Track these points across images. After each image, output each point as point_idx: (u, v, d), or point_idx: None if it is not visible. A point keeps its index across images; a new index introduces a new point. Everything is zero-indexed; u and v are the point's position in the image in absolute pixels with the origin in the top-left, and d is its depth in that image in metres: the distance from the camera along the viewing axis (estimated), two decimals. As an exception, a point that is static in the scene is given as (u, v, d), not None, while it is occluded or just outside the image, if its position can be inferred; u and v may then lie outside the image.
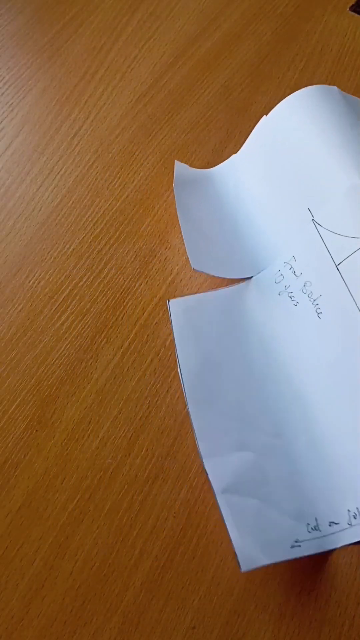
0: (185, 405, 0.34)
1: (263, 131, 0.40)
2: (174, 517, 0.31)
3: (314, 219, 0.35)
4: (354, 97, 0.39)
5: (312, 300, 0.34)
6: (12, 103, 0.45)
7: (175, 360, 0.35)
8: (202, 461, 0.31)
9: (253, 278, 0.37)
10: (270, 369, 0.34)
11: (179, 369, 0.33)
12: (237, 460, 0.31)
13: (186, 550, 0.30)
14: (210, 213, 0.39)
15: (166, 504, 0.31)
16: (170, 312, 0.35)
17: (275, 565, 0.30)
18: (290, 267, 0.35)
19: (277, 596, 0.30)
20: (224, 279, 0.38)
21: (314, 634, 0.29)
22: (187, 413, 0.32)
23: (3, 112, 0.44)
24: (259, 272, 0.37)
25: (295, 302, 0.35)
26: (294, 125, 0.38)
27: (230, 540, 0.29)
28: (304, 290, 0.34)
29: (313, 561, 0.30)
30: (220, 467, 0.30)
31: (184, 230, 0.37)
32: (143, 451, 0.33)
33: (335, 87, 0.38)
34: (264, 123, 0.39)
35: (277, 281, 0.36)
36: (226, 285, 0.37)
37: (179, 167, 0.40)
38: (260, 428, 0.32)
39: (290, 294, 0.35)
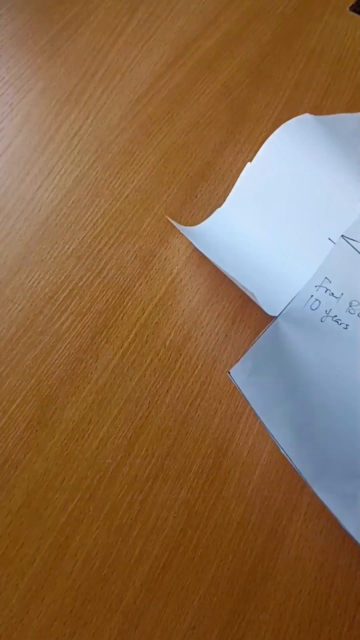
0: (184, 405, 0.34)
1: (251, 177, 0.38)
2: (174, 517, 0.31)
3: (344, 235, 0.33)
4: (327, 116, 0.39)
5: None
6: (12, 103, 0.45)
7: (175, 360, 0.35)
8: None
9: (280, 316, 0.33)
10: (340, 403, 0.31)
11: (269, 433, 0.31)
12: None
13: (186, 550, 0.30)
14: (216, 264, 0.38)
15: (166, 504, 0.31)
16: (236, 382, 0.31)
17: (275, 564, 0.30)
18: (325, 289, 0.33)
19: (277, 596, 0.30)
20: (223, 279, 0.38)
21: (314, 634, 0.29)
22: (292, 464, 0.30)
23: (3, 112, 0.44)
24: (284, 309, 0.33)
25: (344, 325, 0.32)
26: (284, 165, 0.37)
27: (230, 540, 0.29)
28: (351, 311, 0.32)
29: (313, 561, 0.30)
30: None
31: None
32: (143, 451, 0.33)
33: (307, 115, 0.38)
34: (250, 169, 0.38)
35: (313, 308, 0.33)
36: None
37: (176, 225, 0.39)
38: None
39: (335, 318, 0.32)
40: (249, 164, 0.38)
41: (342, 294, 0.33)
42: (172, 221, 0.38)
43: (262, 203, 0.38)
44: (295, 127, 0.37)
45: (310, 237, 0.36)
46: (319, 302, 0.33)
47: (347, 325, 0.32)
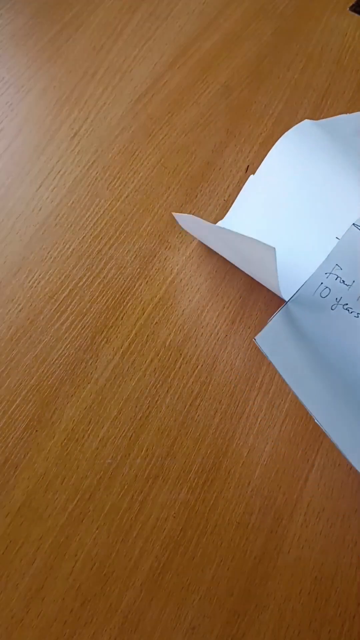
0: (184, 405, 0.34)
1: (255, 189, 0.38)
2: (174, 517, 0.31)
3: (356, 223, 0.33)
4: (327, 119, 0.39)
5: None
6: (12, 103, 0.45)
7: (175, 360, 0.35)
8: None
9: (291, 301, 0.33)
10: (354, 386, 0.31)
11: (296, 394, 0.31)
12: None
13: (186, 550, 0.30)
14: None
15: (166, 504, 0.31)
16: (262, 348, 0.31)
17: (275, 564, 0.30)
18: (336, 277, 0.32)
19: (277, 596, 0.30)
20: (223, 279, 0.38)
21: (314, 634, 0.29)
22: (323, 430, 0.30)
23: (3, 112, 0.44)
24: (294, 294, 0.33)
25: (355, 314, 0.32)
26: (288, 175, 0.37)
27: (230, 540, 0.29)
28: None
29: (313, 561, 0.30)
30: None
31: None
32: (143, 451, 0.33)
33: (307, 121, 0.38)
34: (254, 182, 0.38)
35: (323, 295, 0.33)
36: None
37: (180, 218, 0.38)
38: None
39: (346, 306, 0.32)
40: (252, 176, 0.38)
41: (354, 281, 0.32)
42: (177, 215, 0.38)
43: (266, 212, 0.38)
44: (296, 136, 0.38)
45: (317, 238, 0.35)
46: (329, 289, 0.33)
47: (358, 314, 0.32)
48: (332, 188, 0.36)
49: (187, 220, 0.37)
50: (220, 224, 0.39)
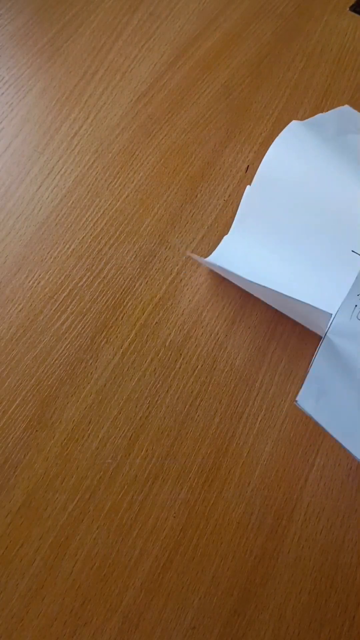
0: (184, 405, 0.34)
1: (253, 200, 0.38)
2: (174, 517, 0.31)
3: None
4: (310, 119, 0.39)
5: None
6: (12, 103, 0.45)
7: (175, 360, 0.35)
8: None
9: (329, 332, 0.32)
10: None
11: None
12: None
13: (186, 550, 0.30)
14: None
15: (166, 504, 0.31)
16: (306, 410, 0.30)
17: (275, 564, 0.30)
18: None
19: (277, 596, 0.30)
20: (223, 279, 0.38)
21: (314, 634, 0.29)
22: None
23: (3, 112, 0.44)
24: (330, 324, 0.32)
25: None
26: (285, 182, 0.37)
27: (230, 540, 0.29)
28: None
29: (313, 561, 0.30)
30: None
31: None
32: (143, 451, 0.33)
33: (295, 122, 0.38)
34: (251, 192, 0.38)
35: None
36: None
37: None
38: None
39: None
40: (248, 187, 0.38)
41: None
42: (193, 255, 0.38)
43: (270, 226, 0.37)
44: (287, 140, 0.37)
45: (332, 253, 0.35)
46: None
47: None
48: (336, 198, 0.35)
49: (212, 265, 0.36)
50: (225, 240, 0.38)
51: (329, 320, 0.31)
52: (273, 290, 0.33)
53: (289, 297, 0.32)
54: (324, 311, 0.30)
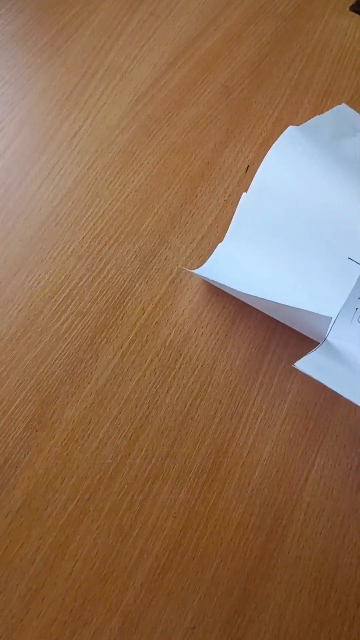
0: (184, 405, 0.34)
1: (249, 208, 0.38)
2: (174, 517, 0.31)
3: None
4: (307, 123, 0.39)
5: None
6: (12, 103, 0.45)
7: (175, 360, 0.35)
8: None
9: (328, 338, 0.32)
10: None
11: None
12: None
13: (186, 550, 0.30)
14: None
15: (166, 504, 0.31)
16: (306, 372, 0.30)
17: (275, 564, 0.30)
18: None
19: (277, 596, 0.30)
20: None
21: (314, 634, 0.29)
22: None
23: (3, 112, 0.44)
24: (330, 327, 0.33)
25: None
26: (281, 190, 0.37)
27: (230, 540, 0.29)
28: None
29: (313, 561, 0.30)
30: None
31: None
32: (143, 451, 0.33)
33: (291, 128, 0.38)
34: (247, 200, 0.38)
35: None
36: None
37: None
38: None
39: None
40: (244, 194, 0.38)
41: None
42: (185, 269, 0.38)
43: (266, 234, 0.37)
44: (283, 147, 0.37)
45: (328, 261, 0.35)
46: None
47: None
48: (332, 206, 0.35)
49: (205, 277, 0.36)
50: (219, 248, 0.38)
51: (329, 324, 0.31)
52: (268, 300, 0.33)
53: (286, 305, 0.32)
54: (323, 315, 0.31)
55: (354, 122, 0.42)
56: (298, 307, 0.32)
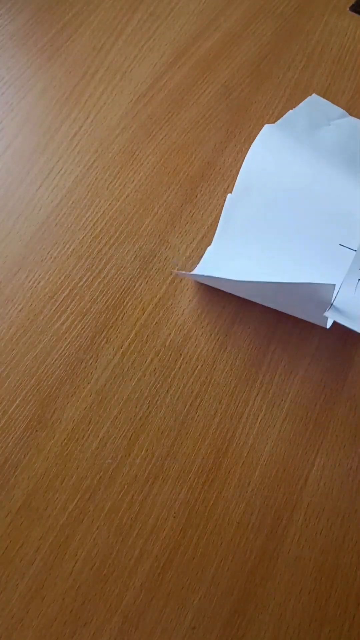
0: (184, 405, 0.34)
1: (235, 207, 0.38)
2: (174, 517, 0.31)
3: None
4: (280, 120, 0.40)
5: None
6: (12, 103, 0.45)
7: (175, 360, 0.35)
8: None
9: (335, 304, 0.33)
10: None
11: None
12: None
13: (186, 551, 0.30)
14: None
15: (166, 504, 0.31)
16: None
17: (275, 564, 0.30)
18: None
19: (277, 596, 0.30)
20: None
21: (314, 634, 0.29)
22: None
23: (3, 112, 0.44)
24: (332, 303, 0.33)
25: None
26: (265, 186, 0.37)
27: (230, 540, 0.29)
28: None
29: (313, 561, 0.30)
30: None
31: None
32: (143, 451, 0.33)
33: (267, 126, 0.39)
34: (232, 200, 0.38)
35: None
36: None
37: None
38: None
39: None
40: (229, 195, 0.38)
41: None
42: (179, 272, 0.38)
43: (254, 230, 0.37)
44: (261, 145, 0.38)
45: (320, 249, 0.35)
46: None
47: None
48: (317, 196, 0.36)
49: (200, 277, 0.37)
50: (208, 250, 0.38)
51: (334, 291, 0.31)
52: (266, 282, 0.33)
53: (286, 283, 0.32)
54: (326, 284, 0.30)
55: (327, 112, 0.42)
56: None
